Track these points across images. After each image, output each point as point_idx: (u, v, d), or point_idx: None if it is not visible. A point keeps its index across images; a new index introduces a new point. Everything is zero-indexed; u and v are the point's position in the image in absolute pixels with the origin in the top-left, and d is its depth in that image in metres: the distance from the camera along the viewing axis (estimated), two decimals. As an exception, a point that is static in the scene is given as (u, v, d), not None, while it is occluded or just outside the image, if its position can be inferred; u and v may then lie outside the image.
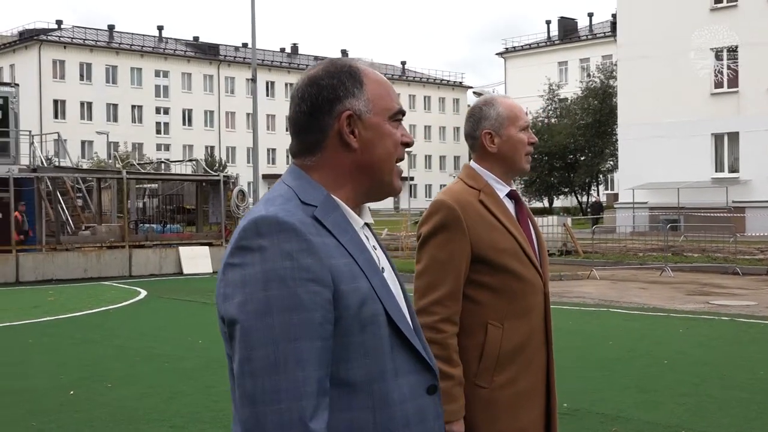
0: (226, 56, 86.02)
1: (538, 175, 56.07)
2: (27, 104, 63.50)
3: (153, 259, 23.72)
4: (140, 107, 79.19)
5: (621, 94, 40.76)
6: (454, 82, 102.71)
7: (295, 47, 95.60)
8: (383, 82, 1.88)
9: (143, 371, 9.49)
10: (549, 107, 58.69)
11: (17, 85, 30.00)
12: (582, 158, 55.70)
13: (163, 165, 40.05)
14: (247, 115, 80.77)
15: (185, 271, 23.50)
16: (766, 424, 6.89)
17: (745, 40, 35.44)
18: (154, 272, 23.34)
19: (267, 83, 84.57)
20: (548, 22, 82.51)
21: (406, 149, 1.93)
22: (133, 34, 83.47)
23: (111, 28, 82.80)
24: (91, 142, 72.11)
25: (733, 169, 36.46)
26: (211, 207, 27.43)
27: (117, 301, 16.90)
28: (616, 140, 43.96)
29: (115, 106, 77.62)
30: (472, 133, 3.11)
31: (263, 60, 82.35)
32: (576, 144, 54.82)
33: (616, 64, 45.60)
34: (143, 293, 18.24)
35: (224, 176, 27.46)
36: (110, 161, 48.52)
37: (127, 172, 27.06)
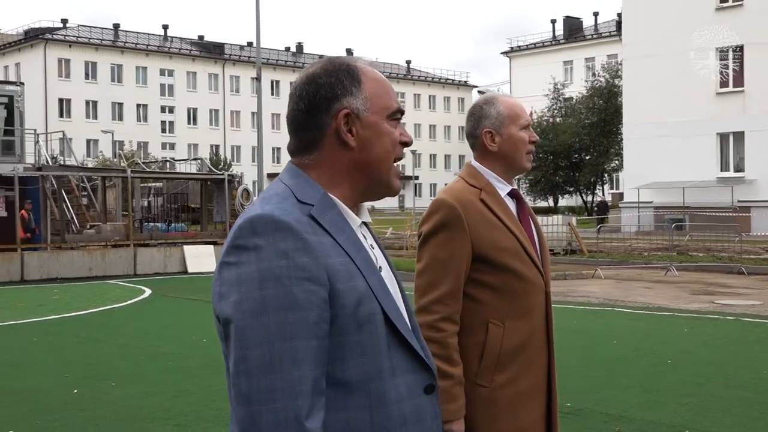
0: (231, 55, 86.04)
1: (543, 175, 56.01)
2: (32, 103, 63.61)
3: (157, 257, 23.75)
4: (145, 106, 79.25)
5: (626, 94, 40.68)
6: (459, 81, 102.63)
7: (300, 46, 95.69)
8: (382, 81, 1.87)
9: (147, 370, 9.50)
10: (554, 106, 58.63)
11: (22, 83, 30.08)
12: (587, 157, 55.64)
13: (168, 164, 40.10)
14: (252, 114, 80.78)
15: (190, 270, 23.52)
16: (770, 424, 6.88)
17: (751, 39, 35.36)
18: (159, 271, 23.37)
19: (272, 82, 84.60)
20: (553, 22, 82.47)
21: (407, 149, 1.93)
22: (138, 33, 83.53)
23: (116, 27, 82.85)
24: (96, 141, 72.19)
25: (739, 168, 36.38)
26: (216, 206, 27.45)
27: (121, 299, 16.93)
28: (621, 139, 43.88)
29: (121, 104, 77.69)
30: (473, 132, 3.10)
31: (268, 59, 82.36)
32: (581, 143, 54.76)
33: (621, 64, 45.54)
34: (148, 292, 18.26)
35: (229, 175, 27.48)
36: (115, 160, 48.54)
37: (131, 170, 27.09)
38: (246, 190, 27.20)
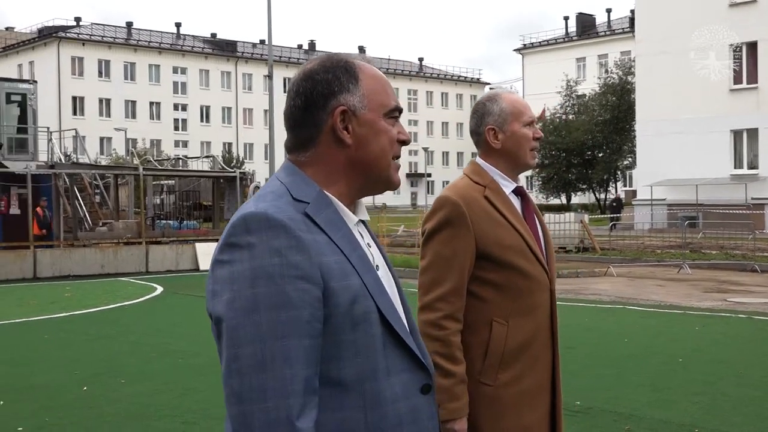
0: (243, 53, 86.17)
1: (556, 172, 55.89)
2: (46, 101, 63.90)
3: (169, 255, 23.80)
4: (158, 104, 79.46)
5: (639, 91, 40.51)
6: (472, 78, 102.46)
7: (312, 44, 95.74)
8: (380, 78, 1.84)
9: (157, 367, 9.52)
10: (567, 103, 58.45)
11: (35, 82, 30.23)
12: (600, 155, 55.46)
13: (180, 161, 40.18)
14: (265, 111, 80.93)
15: (201, 268, 23.55)
16: (781, 423, 6.83)
17: (764, 35, 35.16)
18: (171, 268, 23.42)
19: (284, 80, 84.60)
20: (566, 18, 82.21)
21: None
22: (151, 31, 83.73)
23: (129, 25, 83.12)
24: (109, 139, 72.46)
25: (752, 165, 36.19)
26: (228, 203, 27.51)
27: (133, 297, 16.97)
28: (634, 136, 43.72)
29: (134, 102, 77.94)
30: (477, 129, 3.08)
31: (280, 57, 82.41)
32: (594, 140, 54.59)
33: (634, 60, 45.37)
34: (159, 289, 18.30)
35: (240, 172, 27.53)
36: (128, 158, 48.70)
37: (143, 168, 27.16)
38: (258, 187, 27.22)
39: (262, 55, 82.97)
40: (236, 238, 1.65)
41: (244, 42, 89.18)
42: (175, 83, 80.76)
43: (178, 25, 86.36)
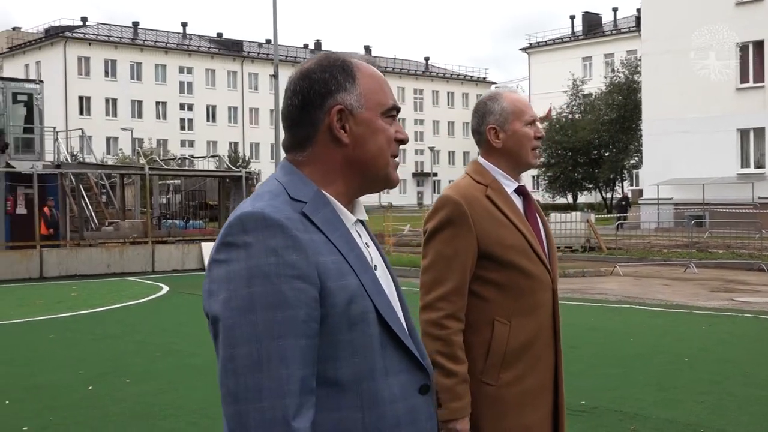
0: (249, 52, 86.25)
1: (562, 171, 55.79)
2: (53, 101, 64.02)
3: (175, 254, 23.82)
4: (164, 104, 79.60)
5: (645, 90, 40.43)
6: (478, 77, 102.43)
7: (318, 43, 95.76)
8: (377, 77, 1.83)
9: (162, 367, 9.52)
10: (573, 103, 58.34)
11: (41, 81, 30.29)
12: (606, 154, 55.32)
13: (186, 161, 40.22)
14: (271, 111, 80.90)
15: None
16: (787, 423, 6.81)
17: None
18: (177, 268, 23.44)
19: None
20: (572, 17, 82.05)
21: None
22: (157, 30, 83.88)
23: (135, 24, 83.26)
24: (116, 139, 72.60)
25: (759, 164, 36.09)
26: (234, 203, 27.52)
27: (139, 296, 16.99)
28: (641, 136, 43.62)
29: (140, 102, 78.08)
30: (478, 128, 3.07)
31: (286, 56, 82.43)
32: (600, 140, 54.46)
33: (640, 59, 45.27)
34: (165, 289, 18.32)
35: (246, 172, 27.54)
36: (134, 157, 48.79)
37: (149, 168, 27.18)
38: (263, 186, 27.23)
39: (268, 54, 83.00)
40: (233, 238, 1.65)
41: (250, 42, 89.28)
42: (182, 83, 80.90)
43: (184, 24, 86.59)
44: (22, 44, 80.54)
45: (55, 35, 76.02)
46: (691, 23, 36.43)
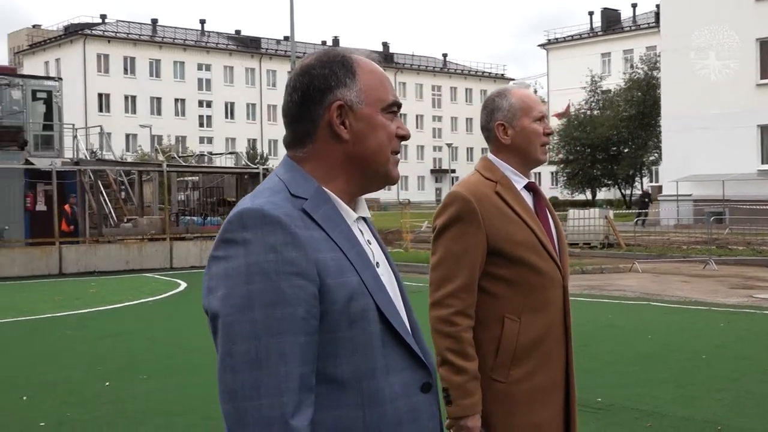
0: (267, 49, 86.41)
1: (581, 168, 55.62)
2: (72, 98, 64.41)
3: (193, 251, 23.89)
4: (183, 100, 79.90)
5: (665, 86, 40.20)
6: (496, 74, 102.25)
7: (336, 40, 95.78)
8: (378, 73, 1.82)
9: (179, 363, 9.54)
10: (591, 99, 58.13)
11: (60, 79, 30.47)
12: (625, 150, 55.09)
13: (204, 158, 40.35)
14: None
15: (225, 264, 23.58)
16: (805, 421, 6.75)
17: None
18: (195, 264, 23.49)
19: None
20: (591, 13, 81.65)
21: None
22: (175, 28, 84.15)
23: (154, 22, 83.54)
24: (135, 136, 72.93)
25: (780, 160, 35.84)
26: (251, 200, 27.54)
27: (157, 293, 17.05)
28: (660, 132, 43.39)
29: (159, 99, 78.40)
30: (486, 125, 3.06)
31: (304, 53, 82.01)
32: (619, 136, 54.24)
33: (659, 55, 45.02)
34: (183, 285, 18.38)
35: (264, 169, 27.60)
36: (153, 154, 49.02)
37: (167, 165, 27.27)
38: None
39: (286, 51, 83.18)
40: (232, 234, 1.64)
41: (268, 38, 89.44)
42: (200, 80, 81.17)
43: (202, 21, 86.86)
44: (42, 42, 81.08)
45: (74, 33, 76.42)
46: (711, 19, 36.19)
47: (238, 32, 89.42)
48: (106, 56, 75.74)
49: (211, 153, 47.00)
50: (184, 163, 33.54)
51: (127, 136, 73.82)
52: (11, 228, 22.84)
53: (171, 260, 23.32)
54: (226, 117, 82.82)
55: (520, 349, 2.85)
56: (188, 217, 28.91)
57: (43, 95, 27.50)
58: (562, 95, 70.82)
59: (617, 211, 38.30)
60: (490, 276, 2.87)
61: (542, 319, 2.90)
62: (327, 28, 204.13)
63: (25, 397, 7.96)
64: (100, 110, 74.15)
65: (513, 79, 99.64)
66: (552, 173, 70.42)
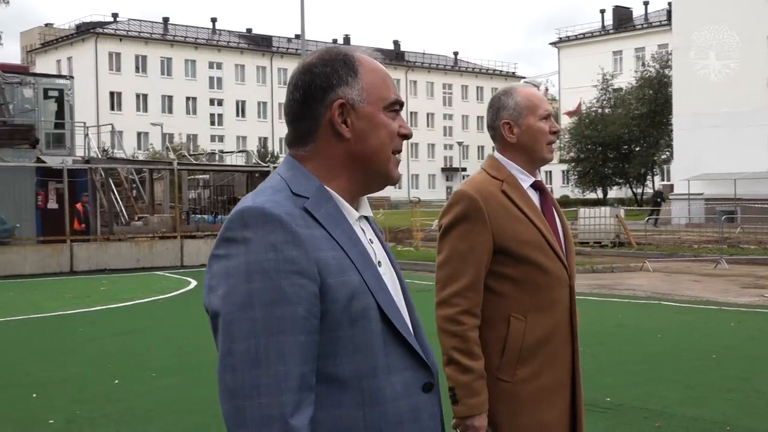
0: (278, 48, 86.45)
1: (592, 166, 55.51)
2: (84, 96, 64.60)
3: (204, 249, 23.90)
4: (194, 99, 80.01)
5: (676, 84, 40.08)
6: (507, 72, 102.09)
7: (347, 38, 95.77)
8: (380, 71, 1.82)
9: (189, 361, 9.55)
10: (603, 97, 58.00)
11: (72, 77, 30.53)
12: (637, 149, 54.96)
13: (215, 156, 40.40)
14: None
15: (235, 262, 23.61)
16: (816, 421, 6.71)
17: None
18: (205, 262, 22.76)
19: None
20: (602, 11, 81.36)
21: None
22: (187, 26, 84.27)
23: (165, 20, 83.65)
24: (146, 134, 73.05)
25: (792, 159, 35.68)
26: (262, 198, 27.55)
27: (167, 291, 17.09)
28: (672, 130, 43.27)
29: (170, 97, 78.54)
30: (492, 123, 3.06)
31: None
32: (630, 134, 54.12)
33: (671, 53, 44.88)
34: (193, 283, 18.41)
35: (274, 167, 27.59)
36: (164, 152, 49.14)
37: (178, 163, 27.32)
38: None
39: (297, 49, 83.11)
40: (233, 233, 1.64)
41: (279, 37, 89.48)
42: (211, 78, 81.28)
43: (213, 20, 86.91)
44: (54, 40, 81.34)
45: (86, 31, 76.64)
46: (723, 17, 36.06)
47: (249, 30, 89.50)
48: (118, 55, 75.94)
49: (221, 151, 47.06)
50: (194, 162, 33.60)
51: (139, 134, 73.97)
52: (23, 226, 22.92)
53: (182, 258, 23.36)
54: (237, 115, 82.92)
55: (526, 348, 2.85)
56: (199, 216, 28.95)
57: (55, 94, 27.62)
58: (573, 93, 70.67)
59: (628, 209, 38.24)
60: (496, 275, 2.86)
61: (548, 319, 2.89)
62: (338, 26, 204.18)
63: (35, 394, 7.99)
64: (112, 108, 74.34)
65: (524, 78, 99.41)
66: (563, 171, 70.24)
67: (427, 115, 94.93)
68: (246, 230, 1.62)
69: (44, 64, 77.58)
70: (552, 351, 2.89)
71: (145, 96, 77.07)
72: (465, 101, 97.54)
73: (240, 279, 1.60)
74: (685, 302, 14.21)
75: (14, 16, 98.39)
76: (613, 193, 63.09)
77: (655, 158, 54.98)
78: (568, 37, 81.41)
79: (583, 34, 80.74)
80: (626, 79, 60.28)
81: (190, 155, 38.04)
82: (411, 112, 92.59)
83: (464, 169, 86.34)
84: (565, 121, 63.92)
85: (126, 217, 26.64)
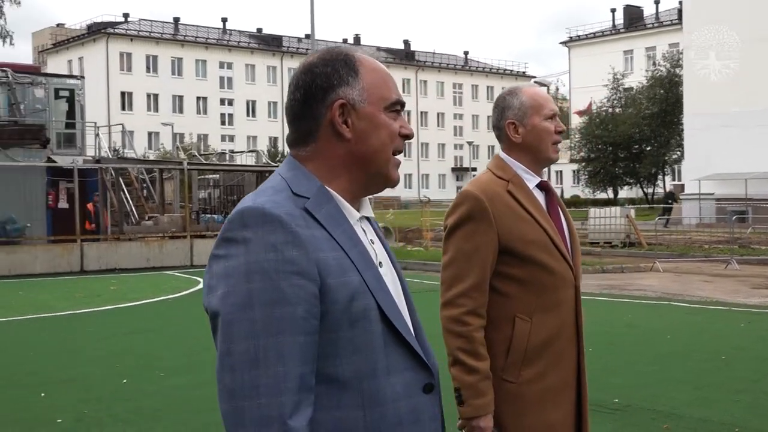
0: (289, 47, 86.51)
1: (603, 166, 55.39)
2: (95, 96, 64.77)
3: (214, 249, 23.92)
4: (205, 99, 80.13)
5: (687, 83, 39.95)
6: (518, 71, 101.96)
7: (357, 38, 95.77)
8: (381, 72, 1.81)
9: (197, 361, 9.55)
10: (613, 97, 57.87)
11: (83, 77, 30.62)
12: (647, 148, 54.80)
13: (225, 156, 40.46)
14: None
15: (245, 261, 23.64)
16: (826, 423, 6.67)
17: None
18: (215, 262, 23.49)
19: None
20: (613, 11, 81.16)
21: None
22: (197, 26, 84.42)
23: (176, 20, 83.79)
24: (157, 134, 73.16)
25: (804, 159, 35.50)
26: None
27: (177, 290, 17.12)
28: (683, 130, 43.13)
29: (181, 97, 78.66)
30: (498, 123, 3.05)
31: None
32: (641, 134, 53.98)
33: (682, 53, 44.74)
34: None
35: (284, 167, 27.60)
36: (174, 152, 49.24)
37: (188, 162, 27.36)
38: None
39: (307, 49, 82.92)
40: (232, 233, 1.63)
41: (289, 37, 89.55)
42: (222, 78, 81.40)
43: (224, 20, 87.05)
44: (65, 40, 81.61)
45: (97, 31, 76.86)
46: (733, 16, 35.92)
47: (259, 30, 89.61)
48: (129, 55, 76.12)
49: (232, 151, 47.14)
50: (204, 161, 33.65)
51: (150, 134, 74.10)
52: (33, 225, 23.00)
53: (191, 258, 23.39)
54: (248, 115, 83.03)
55: (531, 349, 2.84)
56: (209, 215, 29.00)
57: (66, 94, 27.71)
58: (583, 93, 70.52)
59: (638, 207, 38.12)
60: (501, 275, 2.86)
61: (554, 319, 2.88)
62: (348, 26, 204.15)
63: (43, 394, 8.01)
64: (123, 108, 74.53)
65: (534, 77, 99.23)
66: (573, 171, 70.07)
67: (437, 114, 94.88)
68: (246, 230, 1.62)
69: (56, 64, 77.85)
70: (557, 352, 2.88)
71: (155, 96, 77.23)
72: (475, 101, 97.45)
73: (239, 279, 1.59)
74: (696, 303, 14.16)
75: (26, 17, 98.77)
76: (624, 193, 62.94)
77: (666, 158, 54.82)
78: (578, 36, 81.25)
79: (594, 33, 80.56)
80: (637, 78, 60.11)
81: (201, 155, 38.11)
82: (421, 112, 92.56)
83: (474, 169, 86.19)
84: (576, 121, 63.81)
85: (136, 216, 26.70)
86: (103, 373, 8.89)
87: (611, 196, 60.18)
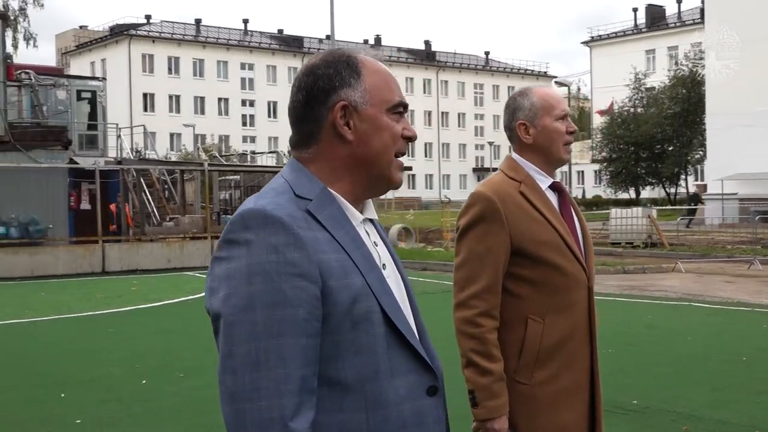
0: (310, 48, 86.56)
1: (624, 166, 55.07)
2: (117, 98, 65.16)
3: (234, 250, 23.98)
4: (226, 100, 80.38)
5: (709, 83, 39.67)
6: (539, 71, 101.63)
7: (378, 38, 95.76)
8: (383, 73, 1.80)
9: (216, 362, 9.57)
10: (635, 96, 57.53)
11: (104, 79, 30.87)
12: (670, 148, 54.42)
13: (247, 157, 40.59)
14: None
15: (265, 262, 23.71)
16: None
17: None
18: (236, 263, 23.54)
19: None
20: (635, 10, 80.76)
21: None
22: (219, 27, 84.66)
23: (198, 22, 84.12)
24: (179, 135, 73.47)
25: (827, 159, 35.16)
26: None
27: (197, 291, 17.16)
28: (705, 130, 42.81)
29: (202, 98, 78.95)
30: (509, 124, 3.04)
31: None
32: (663, 134, 53.57)
33: (704, 52, 44.42)
34: (223, 284, 18.46)
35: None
36: (196, 153, 49.43)
37: (209, 164, 27.47)
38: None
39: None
40: (234, 235, 1.64)
41: (310, 38, 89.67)
42: (243, 79, 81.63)
43: (245, 21, 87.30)
44: (88, 42, 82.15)
45: (119, 33, 77.30)
46: (756, 15, 35.65)
47: (280, 31, 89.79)
48: (151, 56, 76.50)
49: (253, 152, 47.28)
50: (225, 162, 33.76)
51: (171, 135, 74.41)
52: (55, 226, 23.14)
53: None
54: (269, 116, 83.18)
55: (543, 350, 2.83)
56: (230, 216, 29.10)
57: (88, 95, 27.88)
58: (605, 93, 70.21)
59: (660, 208, 37.87)
60: (513, 276, 2.85)
61: (566, 321, 2.86)
62: (368, 26, 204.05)
63: (63, 394, 8.06)
64: (145, 110, 74.89)
65: (556, 77, 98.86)
66: (595, 171, 69.68)
67: (459, 115, 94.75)
68: (247, 232, 1.62)
69: (78, 66, 78.36)
70: (570, 353, 2.87)
71: (177, 97, 77.56)
72: (496, 101, 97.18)
73: (241, 281, 1.59)
74: (717, 304, 14.06)
75: (49, 19, 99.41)
76: (646, 193, 62.53)
77: (689, 158, 54.41)
78: (600, 36, 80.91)
79: (616, 33, 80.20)
80: (659, 78, 59.67)
81: (222, 156, 38.23)
82: (442, 112, 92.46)
83: (495, 170, 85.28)
84: (598, 121, 63.51)
85: (157, 217, 26.83)
86: (123, 374, 8.93)
87: (633, 196, 59.81)
